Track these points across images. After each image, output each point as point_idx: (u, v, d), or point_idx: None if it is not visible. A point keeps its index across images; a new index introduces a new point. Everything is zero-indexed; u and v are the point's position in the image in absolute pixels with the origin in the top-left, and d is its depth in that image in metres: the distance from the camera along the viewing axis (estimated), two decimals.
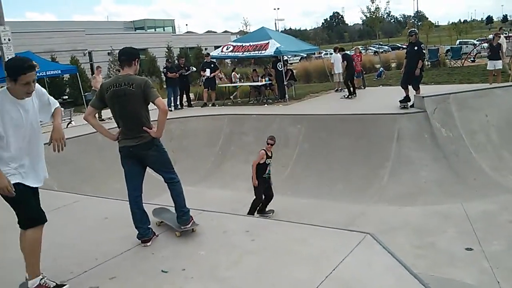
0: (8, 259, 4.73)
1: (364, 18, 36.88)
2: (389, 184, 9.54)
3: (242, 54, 17.18)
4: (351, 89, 15.64)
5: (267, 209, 9.11)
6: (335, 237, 4.56)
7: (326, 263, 3.93)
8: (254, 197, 8.82)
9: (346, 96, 15.57)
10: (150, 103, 4.42)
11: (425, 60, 16.81)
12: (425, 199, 8.88)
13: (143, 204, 4.69)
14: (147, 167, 4.68)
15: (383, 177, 9.71)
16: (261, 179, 8.81)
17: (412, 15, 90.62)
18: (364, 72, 20.12)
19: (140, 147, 4.42)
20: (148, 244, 4.59)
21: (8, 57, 13.06)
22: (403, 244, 6.87)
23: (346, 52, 16.98)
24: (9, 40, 12.95)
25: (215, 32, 63.70)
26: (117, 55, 4.72)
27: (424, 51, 13.47)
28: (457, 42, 41.21)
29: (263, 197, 8.93)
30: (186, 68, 16.51)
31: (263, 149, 8.86)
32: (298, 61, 39.96)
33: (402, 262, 3.89)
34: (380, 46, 48.10)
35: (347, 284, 3.62)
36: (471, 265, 6.35)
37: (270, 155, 8.91)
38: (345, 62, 15.89)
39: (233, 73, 20.10)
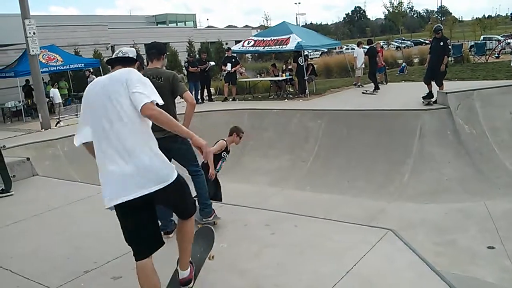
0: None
1: (387, 12, 36.50)
2: (411, 181, 9.45)
3: (263, 48, 17.15)
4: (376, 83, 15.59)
5: None
6: (356, 232, 4.56)
7: (347, 258, 3.93)
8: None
9: (371, 91, 15.46)
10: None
11: (449, 56, 16.55)
12: (447, 196, 8.77)
13: None
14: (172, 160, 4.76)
15: (405, 174, 9.62)
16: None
17: (436, 10, 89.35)
18: (387, 68, 19.93)
19: (167, 140, 4.45)
20: (170, 236, 4.66)
21: (33, 51, 13.28)
22: (423, 241, 6.82)
23: (373, 45, 16.76)
24: (34, 33, 13.17)
25: (236, 27, 63.66)
26: (147, 48, 4.80)
27: (449, 47, 13.30)
28: (481, 37, 40.45)
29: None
30: (204, 60, 16.58)
31: (224, 140, 7.10)
32: (319, 56, 39.71)
33: (423, 259, 3.88)
34: (402, 41, 47.51)
35: (368, 279, 3.62)
36: (493, 263, 6.27)
37: (228, 149, 7.14)
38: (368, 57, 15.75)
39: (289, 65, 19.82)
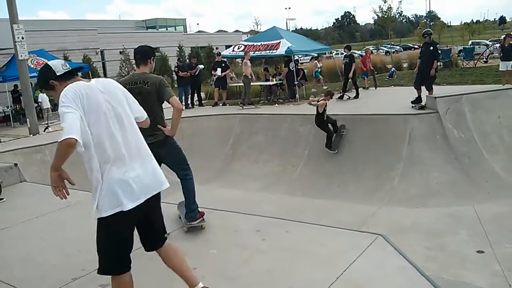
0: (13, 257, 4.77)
1: (376, 17, 36.72)
2: (400, 185, 9.48)
3: (253, 53, 17.17)
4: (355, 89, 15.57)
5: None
6: (346, 238, 4.56)
7: (337, 263, 3.93)
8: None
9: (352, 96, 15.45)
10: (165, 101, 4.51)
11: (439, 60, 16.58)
12: (436, 201, 8.81)
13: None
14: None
15: (394, 178, 9.64)
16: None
17: (424, 15, 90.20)
18: (376, 72, 20.02)
19: (155, 145, 4.49)
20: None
21: (21, 56, 13.18)
22: (413, 245, 6.82)
23: (352, 52, 16.41)
24: (22, 38, 13.06)
25: (226, 32, 63.64)
26: (133, 54, 4.79)
27: (439, 51, 13.37)
28: (470, 42, 40.93)
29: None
30: (194, 64, 16.55)
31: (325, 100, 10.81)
32: (308, 61, 39.85)
33: (414, 264, 3.88)
34: (391, 46, 47.87)
35: (358, 285, 3.62)
36: (483, 267, 6.29)
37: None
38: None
39: (315, 61, 21.31)
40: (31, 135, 13.23)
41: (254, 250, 4.37)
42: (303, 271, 3.89)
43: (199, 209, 5.01)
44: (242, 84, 16.02)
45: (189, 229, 4.93)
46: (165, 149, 4.60)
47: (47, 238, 5.20)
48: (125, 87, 4.45)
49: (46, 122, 15.21)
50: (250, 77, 15.65)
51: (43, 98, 18.07)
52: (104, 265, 3.01)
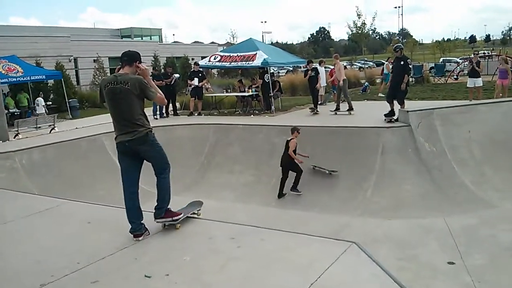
0: None
1: (350, 33, 37.44)
2: (373, 196, 9.59)
3: (230, 64, 17.17)
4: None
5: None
6: (320, 245, 4.57)
7: (311, 270, 3.92)
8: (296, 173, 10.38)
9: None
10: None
11: (410, 75, 16.88)
12: (408, 212, 8.92)
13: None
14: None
15: (367, 190, 9.75)
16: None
17: (397, 32, 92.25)
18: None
19: (135, 142, 4.65)
20: (140, 238, 4.75)
21: None
22: (386, 255, 6.86)
23: (316, 66, 16.25)
24: None
25: (202, 43, 63.72)
26: (120, 56, 4.92)
27: (410, 66, 13.63)
28: (441, 59, 41.99)
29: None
30: (169, 74, 16.45)
31: (293, 138, 10.33)
32: (284, 74, 40.18)
33: (387, 271, 3.91)
34: (365, 61, 48.71)
35: None
36: (453, 278, 6.36)
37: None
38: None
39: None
40: (0, 142, 12.89)
41: (229, 257, 4.33)
42: (277, 278, 3.87)
43: (175, 211, 5.11)
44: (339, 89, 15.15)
45: (164, 233, 4.99)
46: (144, 146, 4.69)
47: (15, 245, 5.05)
48: (107, 86, 4.66)
49: (16, 129, 14.88)
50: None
51: (40, 101, 18.06)
52: None
